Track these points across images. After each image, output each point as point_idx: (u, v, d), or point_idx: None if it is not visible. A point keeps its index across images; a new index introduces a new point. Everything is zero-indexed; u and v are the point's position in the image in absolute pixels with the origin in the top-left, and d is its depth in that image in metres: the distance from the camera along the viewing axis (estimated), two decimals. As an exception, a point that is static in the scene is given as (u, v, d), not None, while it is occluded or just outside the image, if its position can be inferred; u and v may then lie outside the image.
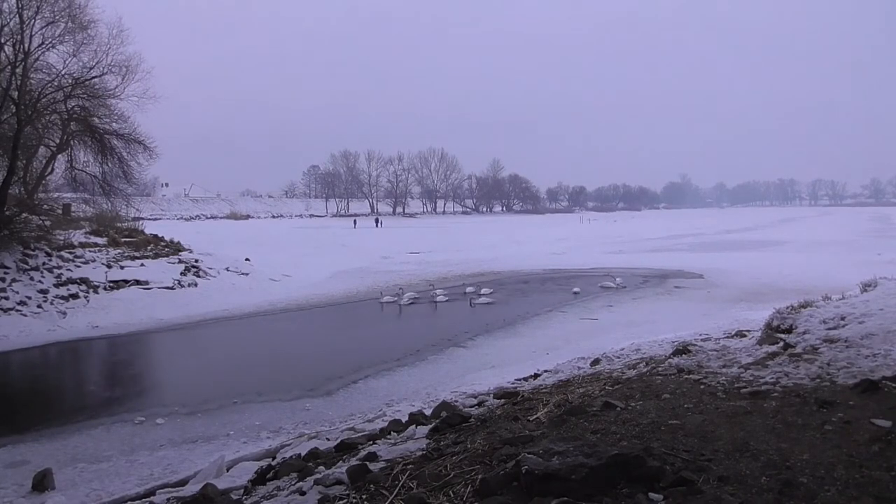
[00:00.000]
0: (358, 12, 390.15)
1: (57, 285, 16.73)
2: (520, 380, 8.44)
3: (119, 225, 22.81)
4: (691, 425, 3.93)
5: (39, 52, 19.25)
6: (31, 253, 17.50)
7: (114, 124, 21.82)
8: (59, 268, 17.57)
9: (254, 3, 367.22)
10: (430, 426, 5.38)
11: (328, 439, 6.71)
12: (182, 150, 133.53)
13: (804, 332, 6.67)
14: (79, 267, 18.06)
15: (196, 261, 21.25)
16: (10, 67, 18.33)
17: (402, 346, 12.82)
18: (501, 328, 14.51)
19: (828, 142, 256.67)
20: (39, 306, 15.64)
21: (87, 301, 16.63)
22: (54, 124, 21.43)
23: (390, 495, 3.38)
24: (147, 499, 5.73)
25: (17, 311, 15.11)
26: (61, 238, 19.04)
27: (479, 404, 6.65)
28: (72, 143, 22.20)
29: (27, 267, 16.90)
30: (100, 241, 20.58)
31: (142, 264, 19.73)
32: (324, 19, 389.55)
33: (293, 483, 4.66)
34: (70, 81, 19.92)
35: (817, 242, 39.74)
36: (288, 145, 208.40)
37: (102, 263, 18.79)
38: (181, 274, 19.75)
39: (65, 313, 15.67)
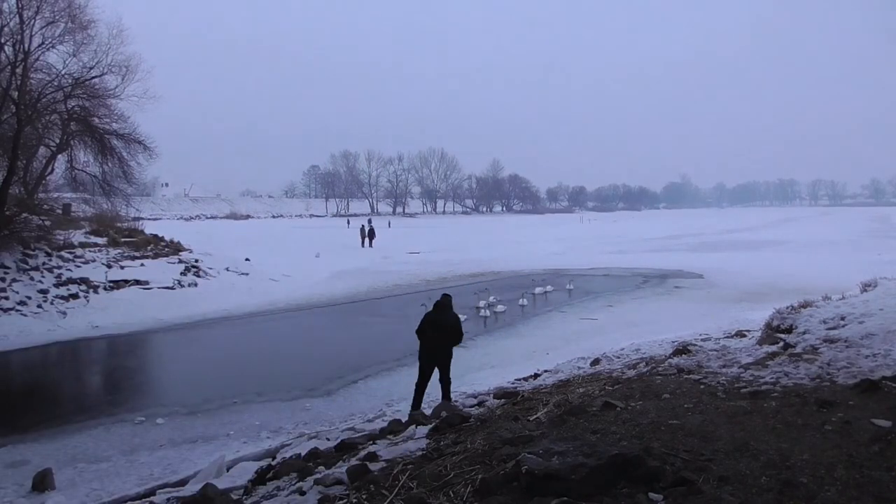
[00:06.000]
0: (358, 12, 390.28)
1: (57, 285, 16.71)
2: (520, 380, 8.44)
3: (119, 225, 22.79)
4: (691, 425, 3.92)
5: (39, 52, 19.24)
6: (31, 253, 17.48)
7: (114, 124, 21.83)
8: (59, 268, 17.56)
9: (254, 3, 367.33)
10: (430, 426, 5.37)
11: (328, 439, 6.71)
12: (182, 150, 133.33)
13: (804, 332, 6.67)
14: (79, 267, 18.04)
15: (196, 261, 21.23)
16: (10, 67, 18.31)
17: (402, 345, 12.80)
18: (501, 328, 14.51)
19: (828, 142, 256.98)
20: (39, 306, 15.63)
21: (87, 301, 16.62)
22: (54, 124, 21.42)
23: (390, 495, 3.38)
24: (147, 499, 5.73)
25: (17, 311, 15.10)
26: (61, 238, 19.01)
27: (479, 404, 6.65)
28: (72, 143, 22.19)
29: (27, 267, 16.89)
30: (100, 241, 20.56)
31: (142, 264, 19.71)
32: (324, 19, 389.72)
33: (293, 483, 4.65)
34: (70, 81, 19.92)
35: (817, 242, 39.75)
36: (288, 145, 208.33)
37: (102, 263, 18.78)
38: (181, 274, 19.74)
39: (65, 313, 15.66)
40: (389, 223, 75.59)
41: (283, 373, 11.18)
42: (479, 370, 10.58)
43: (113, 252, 19.91)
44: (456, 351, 12.50)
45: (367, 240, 36.75)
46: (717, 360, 6.32)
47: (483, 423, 4.97)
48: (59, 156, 22.73)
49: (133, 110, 22.22)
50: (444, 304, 8.36)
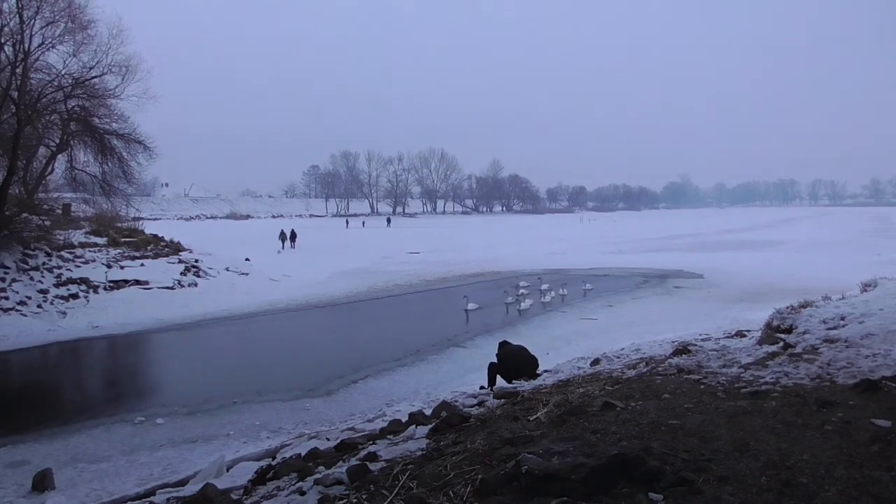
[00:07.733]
0: (358, 13, 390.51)
1: (57, 285, 16.72)
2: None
3: (119, 225, 22.80)
4: (691, 425, 3.92)
5: (39, 52, 19.27)
6: (31, 253, 17.49)
7: (114, 124, 21.87)
8: (59, 268, 17.56)
9: (254, 4, 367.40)
10: (430, 426, 5.37)
11: (328, 439, 6.70)
12: (182, 150, 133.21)
13: (804, 332, 6.66)
14: (79, 267, 18.05)
15: (196, 261, 21.24)
16: (10, 67, 18.32)
17: (402, 345, 12.82)
18: (501, 328, 14.50)
19: (828, 142, 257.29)
20: (39, 306, 15.63)
21: (87, 301, 16.62)
22: (54, 124, 21.44)
23: (390, 495, 3.38)
24: (147, 499, 5.73)
25: (17, 311, 15.10)
26: (61, 238, 19.02)
27: (479, 404, 6.64)
28: (72, 143, 22.21)
29: (27, 267, 16.89)
30: (100, 241, 20.57)
31: (142, 264, 19.72)
32: (324, 20, 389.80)
33: (293, 483, 4.65)
34: (70, 81, 19.93)
35: (817, 242, 39.77)
36: (288, 145, 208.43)
37: (102, 263, 18.79)
38: (181, 274, 19.74)
39: (65, 313, 15.66)
40: (388, 221, 76.14)
41: (283, 373, 11.19)
42: (479, 370, 10.55)
43: (113, 252, 19.92)
44: (456, 351, 12.60)
45: (286, 242, 36.33)
46: (717, 360, 6.32)
47: (483, 423, 4.97)
48: (59, 156, 22.76)
49: (133, 110, 22.32)
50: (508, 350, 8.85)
